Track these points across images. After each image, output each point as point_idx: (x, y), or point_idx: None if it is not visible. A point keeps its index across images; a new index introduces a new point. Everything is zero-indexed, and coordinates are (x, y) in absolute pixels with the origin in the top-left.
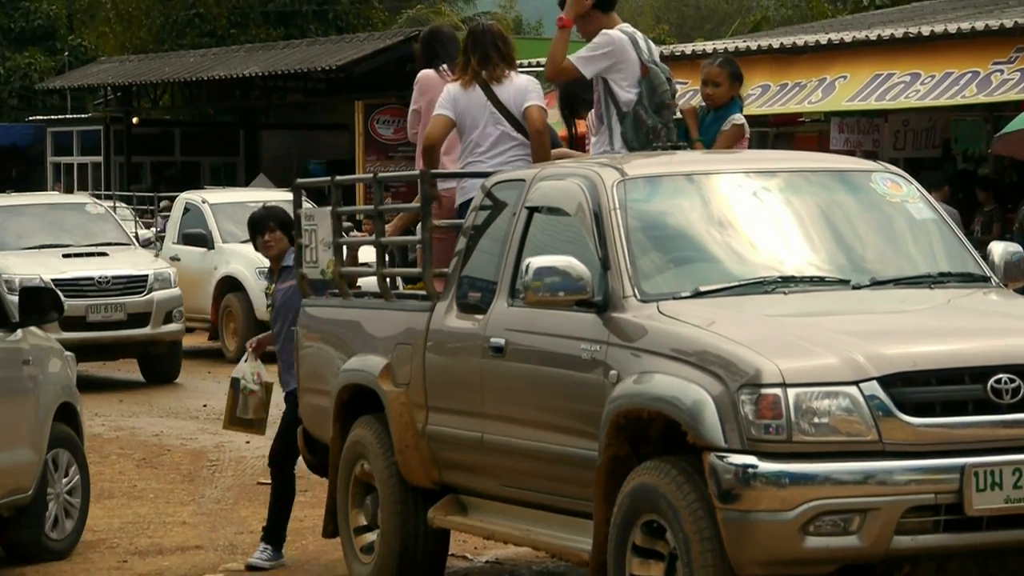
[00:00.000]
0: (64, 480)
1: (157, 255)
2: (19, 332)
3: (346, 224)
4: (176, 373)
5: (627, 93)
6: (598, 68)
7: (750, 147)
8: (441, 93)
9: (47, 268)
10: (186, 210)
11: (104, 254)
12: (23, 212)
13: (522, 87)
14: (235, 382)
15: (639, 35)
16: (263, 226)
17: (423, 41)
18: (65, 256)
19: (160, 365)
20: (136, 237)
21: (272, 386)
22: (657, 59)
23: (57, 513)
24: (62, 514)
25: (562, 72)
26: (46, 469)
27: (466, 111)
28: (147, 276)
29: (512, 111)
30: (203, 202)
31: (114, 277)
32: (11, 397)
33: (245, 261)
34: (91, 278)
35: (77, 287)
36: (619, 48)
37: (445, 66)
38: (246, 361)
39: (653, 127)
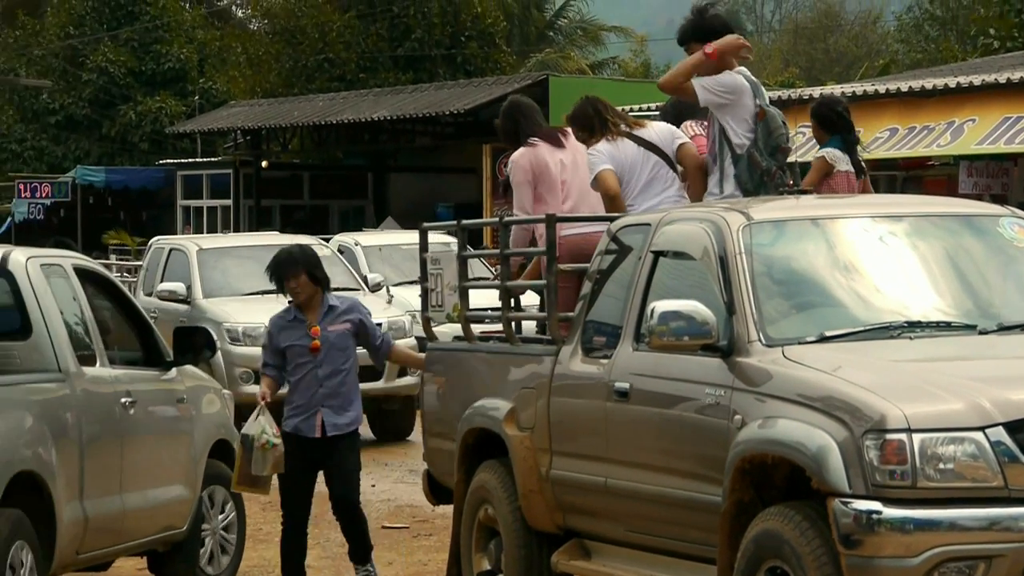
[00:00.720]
0: (220, 516)
1: (390, 301)
2: (174, 371)
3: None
4: (410, 430)
5: (741, 137)
6: (714, 103)
7: (879, 191)
8: (551, 161)
9: (269, 317)
10: (340, 251)
11: None
12: (239, 254)
13: (666, 129)
14: (247, 439)
15: (755, 81)
16: (291, 271)
17: (505, 115)
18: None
19: (393, 421)
20: (365, 280)
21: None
22: (769, 104)
23: (213, 549)
24: (218, 550)
25: (680, 88)
26: (201, 505)
27: (623, 162)
28: (380, 325)
29: (664, 150)
30: (356, 244)
31: None
32: (165, 435)
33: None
34: None
35: None
36: (740, 92)
37: (534, 139)
38: (258, 417)
39: (768, 169)
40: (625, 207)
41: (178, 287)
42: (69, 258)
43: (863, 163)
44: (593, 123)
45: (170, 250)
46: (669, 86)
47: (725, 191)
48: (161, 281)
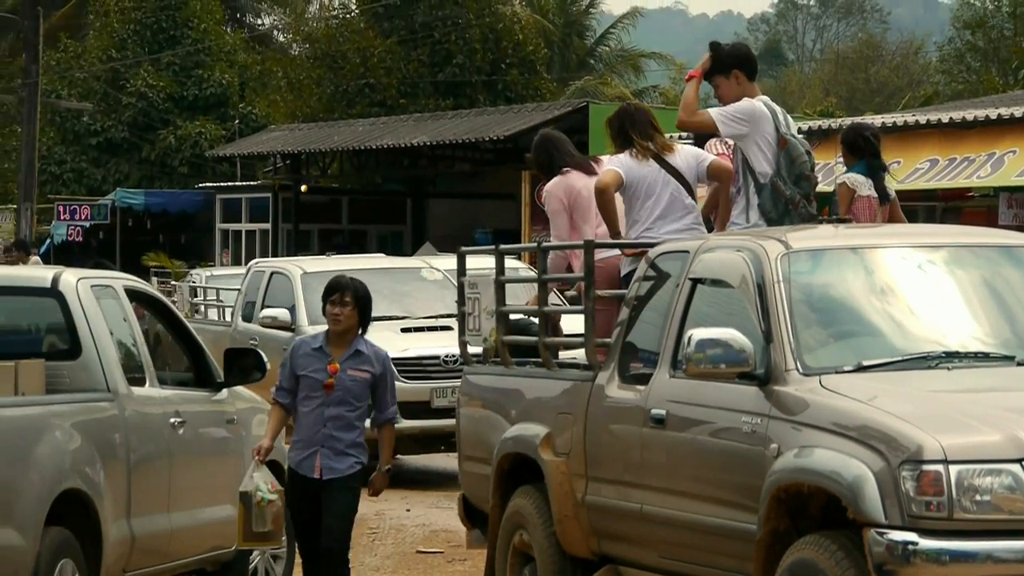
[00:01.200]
0: None
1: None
2: (224, 392)
3: None
4: None
5: (763, 165)
6: (733, 131)
7: (917, 221)
8: (583, 189)
9: (385, 346)
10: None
11: (448, 328)
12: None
13: (693, 152)
14: (245, 496)
15: (778, 109)
16: (343, 296)
17: (538, 148)
18: (404, 331)
19: None
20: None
21: (284, 494)
22: (795, 132)
23: (262, 569)
24: (266, 570)
25: (697, 121)
26: None
27: (641, 180)
28: None
29: (687, 177)
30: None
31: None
32: (215, 455)
33: None
34: (436, 356)
35: (420, 367)
36: (758, 118)
37: (566, 168)
38: (254, 473)
39: (792, 198)
40: (614, 208)
41: (281, 313)
42: (120, 279)
43: (889, 189)
44: (617, 137)
45: (271, 273)
46: (686, 121)
47: (751, 220)
48: (262, 307)
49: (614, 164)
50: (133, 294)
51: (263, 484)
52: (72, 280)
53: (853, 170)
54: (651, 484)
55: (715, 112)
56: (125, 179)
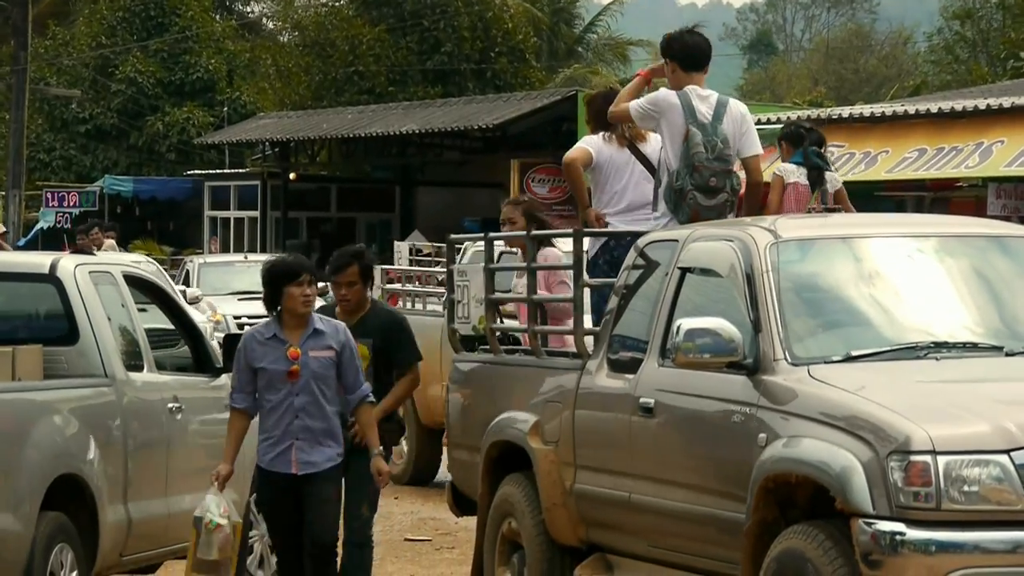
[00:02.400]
0: None
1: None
2: (223, 377)
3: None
4: None
5: (668, 155)
6: (643, 120)
7: (901, 210)
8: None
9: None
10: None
11: None
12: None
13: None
14: (197, 521)
15: (700, 97)
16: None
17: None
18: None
19: None
20: (183, 294)
21: (240, 525)
22: (715, 121)
23: (262, 553)
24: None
25: (619, 111)
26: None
27: (610, 163)
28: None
29: (653, 164)
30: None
31: None
32: (212, 441)
33: None
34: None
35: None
36: (665, 109)
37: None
38: (208, 495)
39: (680, 189)
40: (582, 182)
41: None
42: (118, 265)
43: (836, 180)
44: (595, 118)
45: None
46: (612, 115)
47: (658, 210)
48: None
49: (586, 143)
50: (131, 280)
51: (214, 507)
52: (70, 266)
53: (791, 161)
54: (639, 473)
55: (633, 104)
56: (114, 166)
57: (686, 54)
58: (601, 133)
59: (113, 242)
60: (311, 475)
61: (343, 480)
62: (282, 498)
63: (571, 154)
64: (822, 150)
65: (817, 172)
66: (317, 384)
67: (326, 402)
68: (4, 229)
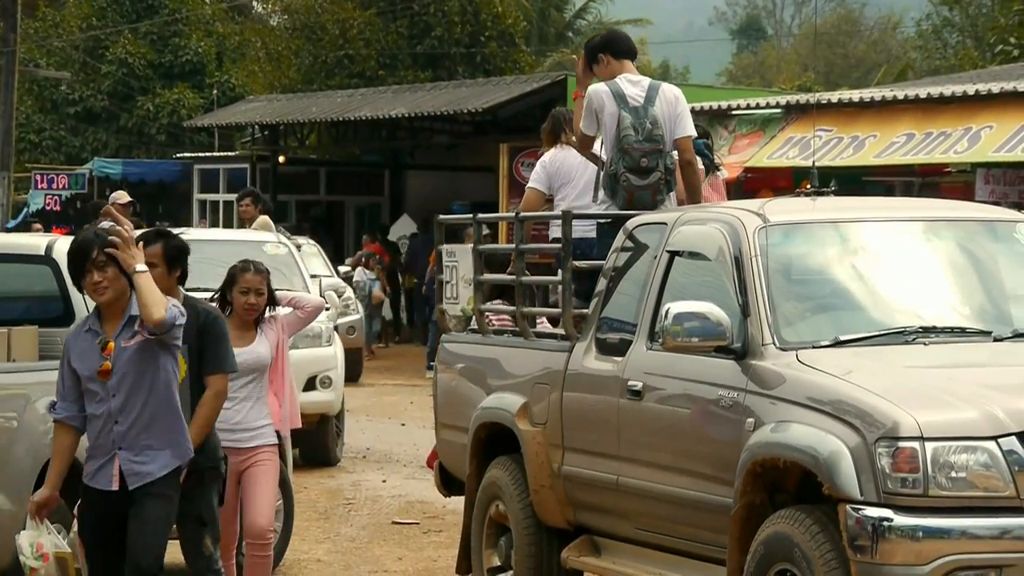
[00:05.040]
0: None
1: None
2: None
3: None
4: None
5: (607, 144)
6: (592, 126)
7: (890, 195)
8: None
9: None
10: None
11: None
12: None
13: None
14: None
15: (631, 82)
16: (91, 258)
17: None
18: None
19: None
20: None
21: (67, 560)
22: (646, 104)
23: None
24: None
25: (578, 136)
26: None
27: (567, 169)
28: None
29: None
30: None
31: None
32: None
33: None
34: None
35: None
36: (598, 103)
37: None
38: (22, 534)
39: (614, 173)
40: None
41: None
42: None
43: (711, 160)
44: (549, 137)
45: None
46: (580, 142)
47: (599, 198)
48: None
49: (541, 170)
50: None
51: (27, 548)
52: (65, 247)
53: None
54: (627, 456)
55: (581, 124)
56: (103, 148)
57: (615, 42)
58: (557, 145)
59: (267, 219)
60: (138, 490)
61: (176, 503)
62: (104, 524)
63: (526, 203)
64: (709, 142)
65: (708, 161)
66: (135, 377)
67: (151, 398)
68: (266, 218)
